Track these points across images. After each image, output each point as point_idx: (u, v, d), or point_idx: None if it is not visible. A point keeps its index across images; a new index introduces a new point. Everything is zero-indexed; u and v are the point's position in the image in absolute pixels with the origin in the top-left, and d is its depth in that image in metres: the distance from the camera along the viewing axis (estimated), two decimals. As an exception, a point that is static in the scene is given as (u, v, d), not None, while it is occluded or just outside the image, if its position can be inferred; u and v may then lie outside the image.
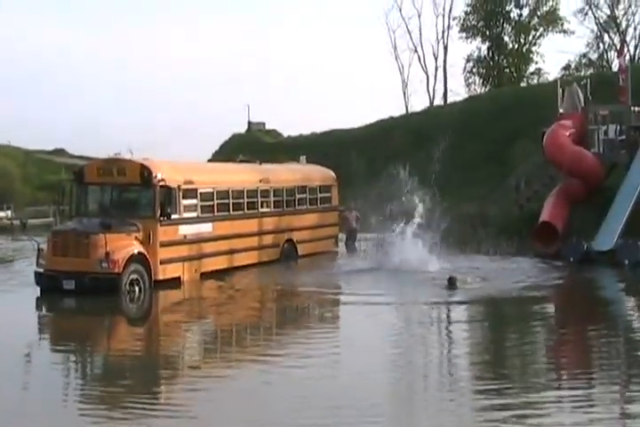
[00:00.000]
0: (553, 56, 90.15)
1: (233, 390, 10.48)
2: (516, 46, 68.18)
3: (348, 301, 17.94)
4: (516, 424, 8.80)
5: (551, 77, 61.21)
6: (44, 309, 18.32)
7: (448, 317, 16.64)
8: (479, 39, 68.38)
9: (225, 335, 14.76)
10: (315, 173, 27.22)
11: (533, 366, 12.08)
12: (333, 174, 27.88)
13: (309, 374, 11.09)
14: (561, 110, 27.36)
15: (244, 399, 9.98)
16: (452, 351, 13.34)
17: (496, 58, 68.25)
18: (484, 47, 68.36)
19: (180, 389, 10.88)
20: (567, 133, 25.14)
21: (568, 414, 9.21)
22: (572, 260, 22.13)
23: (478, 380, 10.96)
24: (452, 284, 18.53)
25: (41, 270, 18.79)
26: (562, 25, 66.63)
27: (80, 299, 17.91)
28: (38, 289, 18.78)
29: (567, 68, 63.95)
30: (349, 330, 14.81)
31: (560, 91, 27.97)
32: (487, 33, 67.77)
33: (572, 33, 66.22)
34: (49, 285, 18.53)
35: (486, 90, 67.27)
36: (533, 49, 67.97)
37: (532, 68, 68.53)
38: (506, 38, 68.45)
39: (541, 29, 67.67)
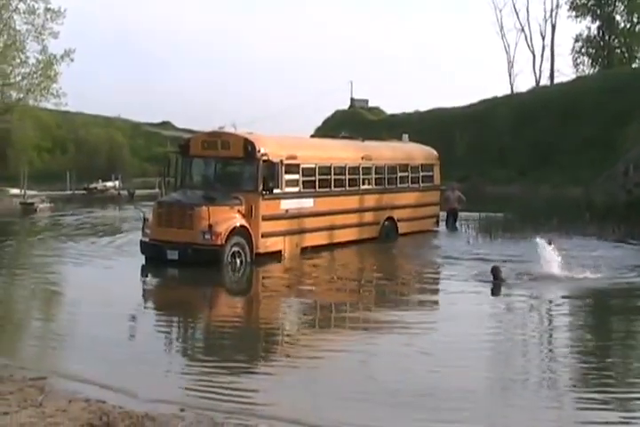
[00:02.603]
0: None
1: (326, 373, 10.28)
2: (629, 25, 66.19)
3: (447, 288, 17.03)
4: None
5: (665, 59, 59.28)
6: (148, 277, 18.79)
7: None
8: (589, 18, 66.76)
9: (324, 314, 14.65)
10: (417, 152, 27.03)
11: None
12: (435, 153, 27.63)
13: (403, 364, 10.71)
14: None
15: (338, 382, 9.86)
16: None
17: (606, 37, 66.40)
18: (594, 26, 66.74)
19: (274, 369, 10.71)
20: (681, 117, 24.31)
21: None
22: (680, 247, 21.46)
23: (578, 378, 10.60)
24: (495, 276, 16.44)
25: (146, 240, 19.23)
26: (679, 2, 64.33)
27: (183, 269, 18.27)
28: (143, 258, 19.27)
29: (683, 48, 61.80)
30: (447, 321, 13.90)
31: (675, 72, 27.00)
32: (598, 11, 65.99)
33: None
34: (153, 254, 18.96)
35: (595, 71, 65.58)
36: (647, 28, 65.82)
37: (644, 48, 66.41)
38: (617, 17, 66.61)
39: (656, 7, 65.42)
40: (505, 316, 14.23)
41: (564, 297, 15.76)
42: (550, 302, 15.59)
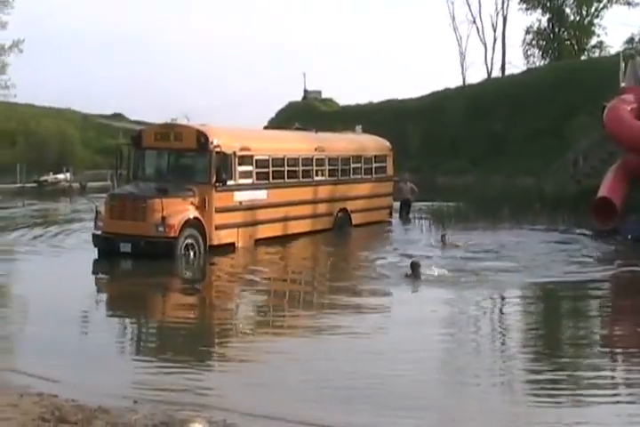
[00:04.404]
0: (616, 29, 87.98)
1: (279, 369, 10.19)
2: (578, 18, 66.83)
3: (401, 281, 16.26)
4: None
5: (613, 51, 59.96)
6: (100, 270, 18.57)
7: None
8: (539, 10, 67.26)
9: (277, 308, 14.63)
10: (370, 143, 27.12)
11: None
12: (389, 144, 27.75)
13: (356, 347, 10.89)
14: (623, 84, 26.79)
15: (293, 369, 9.99)
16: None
17: (556, 30, 67.04)
18: (545, 19, 67.27)
19: (226, 363, 10.76)
20: (629, 108, 24.61)
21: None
22: (629, 237, 21.78)
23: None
24: (414, 270, 15.84)
25: (98, 233, 19.07)
26: (626, -4, 65.12)
27: (136, 262, 18.12)
28: (96, 251, 19.07)
29: (630, 41, 62.39)
30: (399, 307, 14.23)
31: (622, 64, 27.38)
32: (548, 4, 66.55)
33: (637, 4, 64.66)
34: (106, 247, 18.80)
35: (545, 63, 66.20)
36: (595, 21, 66.66)
37: (593, 40, 67.32)
38: (567, 10, 67.18)
39: (604, 1, 66.18)
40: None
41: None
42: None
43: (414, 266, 15.96)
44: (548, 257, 18.96)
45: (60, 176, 53.70)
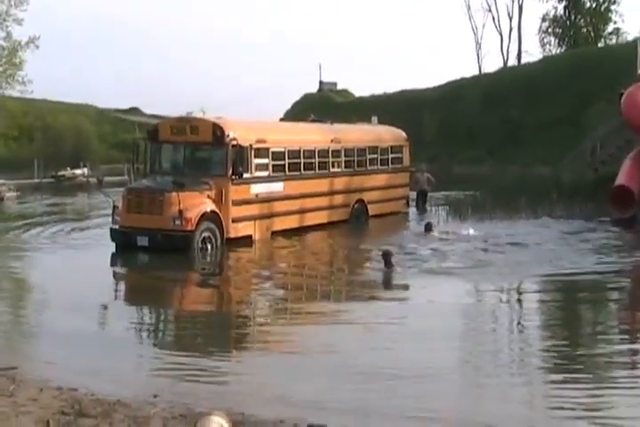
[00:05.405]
0: (633, 15, 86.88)
1: (296, 359, 10.24)
2: (594, 5, 66.26)
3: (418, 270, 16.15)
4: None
5: (630, 38, 59.41)
6: (118, 264, 18.64)
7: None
8: (556, -2, 66.67)
9: (294, 300, 14.60)
10: (386, 134, 27.07)
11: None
12: (405, 135, 27.68)
13: (373, 344, 10.85)
14: (640, 71, 26.65)
15: (307, 366, 9.93)
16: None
17: (573, 17, 66.52)
18: (561, 6, 66.76)
19: (245, 356, 10.82)
20: (646, 95, 24.45)
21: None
22: (647, 225, 21.68)
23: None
24: (386, 261, 15.55)
25: (116, 227, 19.14)
26: (643, -18, 64.49)
27: (153, 255, 18.17)
28: (113, 245, 19.14)
29: (647, 27, 61.88)
30: (414, 301, 14.07)
31: (639, 51, 27.21)
32: (564, -9, 66.01)
33: (655, -9, 63.98)
34: (123, 241, 18.88)
35: (562, 50, 65.78)
36: (612, 8, 66.02)
37: (610, 27, 66.69)
38: (583, -4, 66.56)
39: (621, -13, 65.53)
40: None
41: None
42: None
43: (386, 256, 15.66)
44: (568, 247, 18.65)
45: (78, 171, 53.81)
